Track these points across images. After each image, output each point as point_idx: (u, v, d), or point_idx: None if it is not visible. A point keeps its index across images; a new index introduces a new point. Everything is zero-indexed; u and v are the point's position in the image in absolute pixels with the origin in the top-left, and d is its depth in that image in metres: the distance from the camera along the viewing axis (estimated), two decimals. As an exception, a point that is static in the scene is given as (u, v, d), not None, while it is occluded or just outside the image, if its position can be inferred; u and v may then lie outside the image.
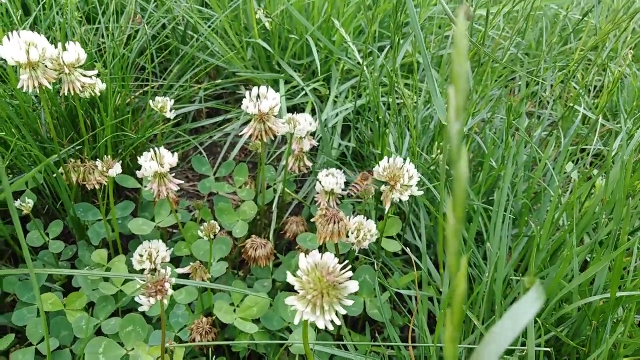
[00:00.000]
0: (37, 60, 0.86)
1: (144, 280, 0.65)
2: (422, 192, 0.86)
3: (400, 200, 0.85)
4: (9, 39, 0.85)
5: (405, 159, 0.90)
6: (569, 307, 0.84)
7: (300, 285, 0.51)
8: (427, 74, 0.70)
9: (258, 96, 0.94)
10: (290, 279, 0.51)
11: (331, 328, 0.50)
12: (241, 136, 1.60)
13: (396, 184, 0.83)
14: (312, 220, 0.97)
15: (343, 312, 0.51)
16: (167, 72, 1.60)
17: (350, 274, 0.52)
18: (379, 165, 0.87)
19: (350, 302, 0.51)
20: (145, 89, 1.58)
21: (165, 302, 0.66)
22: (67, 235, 1.27)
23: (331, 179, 1.10)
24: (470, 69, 1.09)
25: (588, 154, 1.33)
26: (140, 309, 0.67)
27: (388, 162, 0.86)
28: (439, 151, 1.01)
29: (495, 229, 0.93)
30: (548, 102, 1.24)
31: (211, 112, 1.69)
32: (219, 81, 1.53)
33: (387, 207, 0.86)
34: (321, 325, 0.50)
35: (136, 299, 0.66)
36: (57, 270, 0.92)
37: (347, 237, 0.92)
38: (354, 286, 0.51)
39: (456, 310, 0.31)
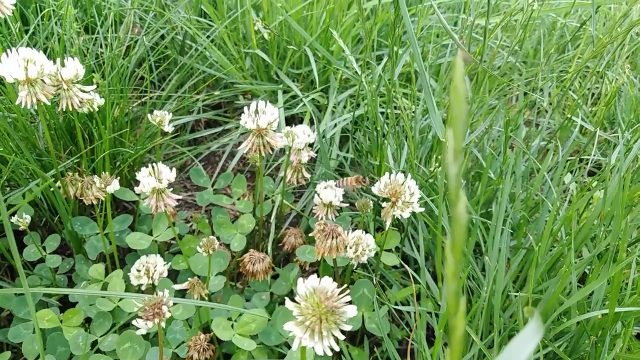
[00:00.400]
0: (36, 77, 0.86)
1: (141, 303, 0.65)
2: (422, 209, 0.86)
3: (401, 216, 0.85)
4: (7, 55, 0.85)
5: (405, 173, 0.90)
6: (567, 322, 0.84)
7: (299, 310, 0.51)
8: (425, 91, 0.70)
9: (256, 110, 0.94)
10: (289, 304, 0.50)
11: (329, 353, 0.49)
12: (239, 146, 1.60)
13: (397, 200, 0.83)
14: (310, 234, 0.96)
15: (342, 337, 0.51)
16: (166, 82, 1.60)
17: (349, 298, 0.52)
18: (380, 182, 0.86)
19: (348, 327, 0.51)
20: (144, 99, 1.58)
21: (163, 324, 0.65)
22: (63, 247, 1.27)
23: (329, 192, 1.10)
24: (467, 84, 1.09)
25: (587, 163, 1.33)
26: (138, 332, 0.66)
27: (389, 178, 0.86)
28: (436, 164, 1.01)
29: (493, 242, 0.92)
30: (546, 111, 1.25)
31: (209, 121, 1.69)
32: (217, 92, 1.53)
33: (388, 223, 0.86)
34: (319, 351, 0.49)
35: (134, 322, 0.66)
36: (53, 289, 0.92)
37: (346, 251, 0.92)
38: (352, 311, 0.51)
39: (455, 350, 0.30)
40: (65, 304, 1.13)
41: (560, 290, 0.79)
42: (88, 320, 1.02)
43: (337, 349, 0.50)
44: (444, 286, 0.92)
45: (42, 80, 0.91)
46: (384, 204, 0.88)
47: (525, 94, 1.27)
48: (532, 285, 0.77)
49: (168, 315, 0.65)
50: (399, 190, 0.84)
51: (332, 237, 0.87)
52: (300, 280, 0.52)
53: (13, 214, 1.06)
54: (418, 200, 0.84)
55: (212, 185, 1.30)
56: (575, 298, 0.77)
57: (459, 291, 0.30)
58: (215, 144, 1.56)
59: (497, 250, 0.92)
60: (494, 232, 0.92)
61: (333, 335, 0.51)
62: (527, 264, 1.07)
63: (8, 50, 0.86)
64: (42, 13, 1.46)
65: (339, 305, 0.51)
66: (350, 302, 0.52)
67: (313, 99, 1.57)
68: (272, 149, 1.00)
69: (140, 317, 0.64)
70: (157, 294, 0.66)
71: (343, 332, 0.52)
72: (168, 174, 0.91)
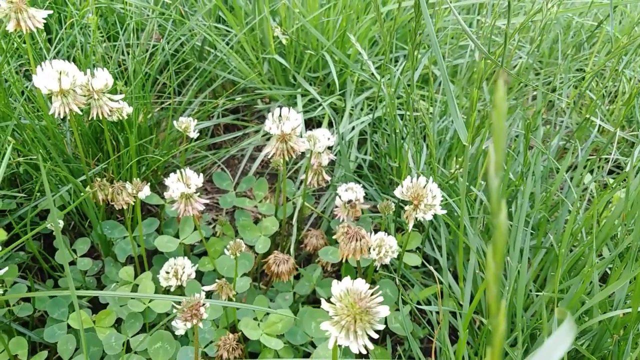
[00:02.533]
0: (68, 87, 0.90)
1: (179, 305, 0.68)
2: (444, 211, 0.88)
3: (423, 219, 0.87)
4: (42, 68, 0.88)
5: (425, 174, 0.92)
6: (589, 321, 0.85)
7: (334, 311, 0.53)
8: (448, 96, 0.72)
9: (280, 116, 0.97)
10: (325, 305, 0.53)
11: (364, 352, 0.52)
12: (259, 149, 1.62)
13: (419, 203, 0.85)
14: (334, 236, 0.99)
15: (375, 336, 0.53)
16: (186, 88, 1.63)
17: (381, 298, 0.54)
18: (402, 185, 0.88)
19: (382, 327, 0.53)
20: (163, 105, 1.61)
21: (201, 324, 0.68)
22: (91, 250, 1.31)
23: (350, 194, 1.12)
24: (485, 86, 1.10)
25: (606, 162, 1.33)
26: (177, 332, 0.69)
27: (411, 181, 0.88)
28: (457, 166, 1.02)
29: (515, 242, 0.94)
30: (564, 112, 1.25)
31: (228, 125, 1.72)
32: (238, 98, 1.56)
33: (410, 225, 0.88)
34: (355, 350, 0.52)
35: (172, 324, 0.69)
36: (96, 292, 0.95)
37: (369, 253, 0.94)
38: (385, 311, 0.53)
39: (496, 349, 0.33)
40: (95, 305, 1.17)
41: (583, 290, 0.81)
42: (118, 321, 1.06)
43: (371, 347, 0.52)
44: (466, 286, 0.94)
45: (73, 90, 0.94)
46: (406, 207, 0.90)
47: (543, 94, 1.28)
48: (557, 284, 0.79)
49: (205, 316, 0.68)
50: (421, 193, 0.86)
51: (356, 240, 0.89)
52: (334, 282, 0.54)
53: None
54: (440, 202, 0.86)
55: (234, 189, 1.33)
56: (597, 297, 0.78)
57: (499, 294, 0.32)
58: (235, 148, 1.59)
59: (518, 250, 0.93)
60: (515, 232, 0.93)
61: (367, 335, 0.53)
62: (547, 263, 1.08)
63: (42, 64, 0.90)
64: (67, 23, 1.50)
65: (372, 305, 0.53)
66: (382, 303, 0.54)
67: (330, 101, 1.59)
68: (296, 154, 1.02)
69: (179, 319, 0.67)
70: (193, 297, 0.68)
71: (376, 331, 0.54)
72: (196, 179, 0.94)
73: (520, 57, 1.75)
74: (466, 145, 0.75)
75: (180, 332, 0.69)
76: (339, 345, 0.53)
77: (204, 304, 0.68)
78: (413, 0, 1.19)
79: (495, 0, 1.49)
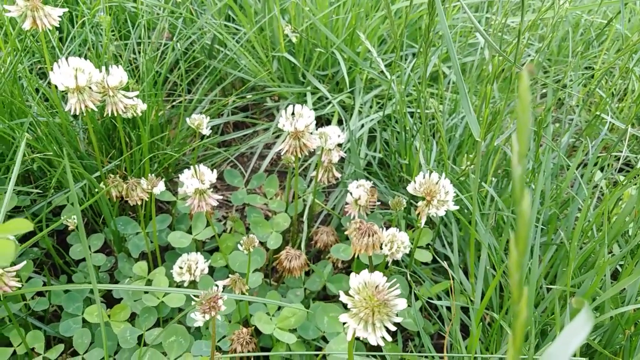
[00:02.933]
0: (84, 85, 0.91)
1: (197, 298, 0.69)
2: (457, 207, 0.89)
3: (436, 214, 0.88)
4: (58, 66, 0.90)
5: (436, 171, 0.93)
6: (601, 317, 0.85)
7: (352, 303, 0.54)
8: (461, 94, 0.72)
9: (292, 113, 0.98)
10: (343, 297, 0.54)
11: (382, 344, 0.53)
12: (269, 147, 1.63)
13: (432, 199, 0.86)
14: (346, 232, 1.00)
15: (393, 328, 0.54)
16: (196, 87, 1.65)
17: (399, 291, 0.55)
18: (414, 181, 0.89)
19: (399, 319, 0.54)
20: (174, 103, 1.63)
21: (218, 317, 0.69)
22: (103, 246, 1.32)
23: (361, 190, 1.13)
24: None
25: (617, 160, 1.33)
26: (195, 324, 0.70)
27: (423, 177, 0.89)
28: (468, 163, 1.03)
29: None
30: (574, 110, 1.26)
31: (238, 123, 1.73)
32: (249, 96, 1.57)
33: (423, 221, 0.89)
34: (373, 342, 0.53)
35: (191, 315, 0.70)
36: (116, 286, 0.97)
37: (381, 248, 0.95)
38: (402, 304, 0.54)
39: (518, 334, 0.33)
40: (109, 300, 1.19)
41: (597, 284, 0.81)
42: (132, 316, 1.07)
43: (389, 339, 0.53)
44: (477, 282, 0.95)
45: (89, 87, 0.95)
46: (419, 203, 0.91)
47: (553, 91, 1.28)
48: (569, 280, 0.79)
49: (223, 308, 0.69)
50: (434, 189, 0.86)
51: (369, 235, 0.90)
52: (352, 274, 0.55)
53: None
54: (452, 198, 0.87)
55: (245, 186, 1.34)
56: (609, 293, 0.78)
57: (522, 280, 0.33)
58: (244, 145, 1.60)
59: (529, 247, 0.94)
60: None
61: (385, 327, 0.54)
62: (557, 260, 1.09)
63: (59, 61, 0.91)
64: (79, 22, 1.52)
65: (390, 298, 0.54)
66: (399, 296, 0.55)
67: (339, 99, 1.60)
68: (309, 151, 1.03)
69: (198, 311, 0.68)
70: (211, 290, 0.70)
71: (393, 324, 0.55)
72: (210, 175, 0.95)
73: (529, 55, 1.75)
74: (479, 140, 0.76)
75: (198, 323, 0.70)
76: (357, 338, 0.54)
77: (221, 297, 0.69)
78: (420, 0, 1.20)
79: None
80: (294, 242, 1.29)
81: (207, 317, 0.66)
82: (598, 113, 1.17)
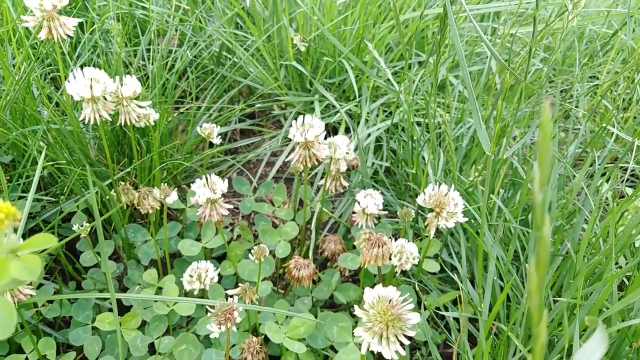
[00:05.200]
0: (99, 95, 0.92)
1: (213, 309, 0.70)
2: (466, 219, 0.90)
3: (445, 226, 0.89)
4: (74, 76, 0.91)
5: (444, 182, 0.94)
6: (608, 329, 0.86)
7: (367, 317, 0.55)
8: (472, 109, 0.73)
9: (303, 123, 0.99)
10: (358, 311, 0.55)
11: (396, 358, 0.53)
12: (276, 154, 1.65)
13: (442, 211, 0.87)
14: (355, 242, 1.01)
15: (407, 342, 0.54)
16: (204, 94, 1.66)
17: (412, 305, 0.56)
18: (424, 193, 0.90)
19: (413, 333, 0.55)
20: (181, 111, 1.64)
21: (234, 328, 0.70)
22: (112, 252, 1.33)
23: (369, 200, 1.13)
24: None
25: (625, 171, 1.34)
26: (211, 335, 0.71)
27: (432, 189, 0.90)
28: (476, 174, 1.04)
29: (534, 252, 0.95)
30: (580, 121, 1.27)
31: (244, 130, 1.74)
32: (258, 104, 1.59)
33: (432, 233, 0.90)
34: (387, 356, 0.53)
35: (207, 327, 0.71)
36: (130, 295, 0.98)
37: (390, 259, 0.96)
38: (416, 317, 0.55)
39: (537, 356, 0.34)
40: (118, 307, 1.19)
41: (605, 297, 0.82)
42: (142, 323, 1.08)
43: (403, 353, 0.54)
44: (485, 293, 0.95)
45: (104, 97, 0.97)
46: (428, 215, 0.92)
47: (560, 103, 1.30)
48: (580, 292, 0.80)
49: (239, 320, 0.70)
50: (443, 201, 0.87)
51: (378, 246, 0.91)
52: (367, 289, 0.56)
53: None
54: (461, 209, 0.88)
55: (253, 193, 1.35)
56: (617, 306, 0.79)
57: (542, 304, 0.34)
58: (252, 153, 1.61)
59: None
60: (534, 241, 0.94)
61: (399, 341, 0.55)
62: (564, 271, 1.10)
63: (74, 71, 0.92)
64: (89, 30, 1.53)
65: (403, 312, 0.55)
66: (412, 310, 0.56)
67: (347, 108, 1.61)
68: (318, 161, 1.04)
69: (214, 322, 0.69)
70: (227, 301, 0.71)
71: (407, 337, 0.56)
72: (221, 184, 0.96)
73: (534, 64, 1.76)
74: (489, 155, 0.77)
75: (214, 335, 0.71)
76: (372, 352, 0.54)
77: (236, 309, 0.70)
78: (427, 10, 1.21)
79: (513, 9, 1.50)
80: (302, 250, 1.30)
81: (223, 328, 0.67)
82: (604, 125, 1.18)
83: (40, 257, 0.49)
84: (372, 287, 0.58)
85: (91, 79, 0.92)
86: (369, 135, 1.49)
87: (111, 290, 0.65)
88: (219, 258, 1.31)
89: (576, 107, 1.15)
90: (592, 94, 1.47)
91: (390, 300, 0.55)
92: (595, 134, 1.23)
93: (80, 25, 1.72)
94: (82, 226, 1.05)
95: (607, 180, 1.23)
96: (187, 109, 1.62)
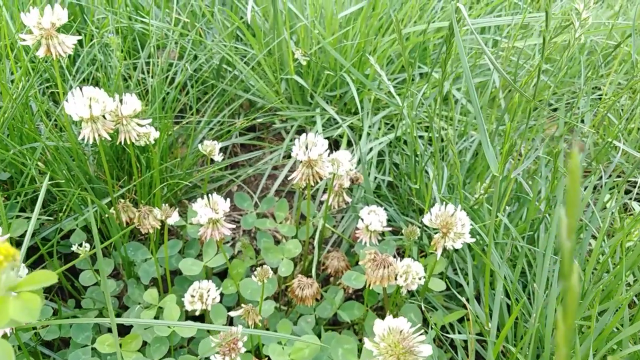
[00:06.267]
0: (99, 114, 0.91)
1: (217, 340, 0.68)
2: (473, 240, 0.88)
3: (452, 247, 0.87)
4: (72, 95, 0.89)
5: (448, 200, 0.92)
6: (620, 353, 0.84)
7: (378, 350, 0.53)
8: (480, 129, 0.72)
9: (306, 142, 0.97)
10: (368, 345, 0.53)
11: (408, 393, 0.52)
12: (277, 168, 1.63)
13: (449, 231, 0.85)
14: (359, 262, 0.99)
15: (419, 377, 0.53)
16: (205, 108, 1.65)
17: (423, 337, 0.54)
18: (430, 213, 0.89)
19: (425, 367, 0.53)
20: (182, 124, 1.62)
21: (238, 359, 0.69)
22: (113, 269, 1.31)
23: (373, 217, 1.12)
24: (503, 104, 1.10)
25: (634, 185, 1.33)
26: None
27: (439, 209, 0.88)
28: (482, 191, 1.03)
29: (542, 270, 0.94)
30: (586, 136, 1.26)
31: (245, 144, 1.72)
32: (259, 120, 1.57)
33: (439, 254, 0.88)
34: (399, 391, 0.52)
35: (212, 358, 0.69)
36: (131, 320, 0.95)
37: (396, 280, 0.94)
38: (428, 350, 0.53)
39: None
40: (118, 327, 1.17)
41: (616, 321, 0.80)
42: (142, 344, 1.06)
43: (415, 389, 0.52)
44: (493, 314, 0.94)
45: (103, 116, 0.95)
46: (435, 236, 0.90)
47: (565, 115, 1.28)
48: (593, 320, 0.78)
49: (243, 350, 0.68)
50: (450, 222, 0.86)
51: (384, 267, 0.90)
52: (377, 320, 0.54)
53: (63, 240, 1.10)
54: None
55: (255, 208, 1.34)
56: (630, 330, 0.78)
57: (569, 355, 0.32)
58: (253, 167, 1.59)
59: (545, 278, 0.93)
60: (542, 260, 0.93)
61: (410, 375, 0.53)
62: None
63: (73, 91, 0.91)
64: (89, 44, 1.52)
65: (415, 344, 0.53)
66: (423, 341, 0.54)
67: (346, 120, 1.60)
68: (321, 178, 1.03)
69: (218, 353, 0.67)
70: (231, 331, 0.69)
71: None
72: (223, 204, 0.94)
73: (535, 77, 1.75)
74: (496, 175, 0.76)
75: (217, 363, 0.69)
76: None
77: (240, 339, 0.68)
78: (428, 24, 1.20)
79: (515, 22, 1.50)
80: (305, 266, 1.28)
81: (227, 359, 0.66)
82: (610, 139, 1.17)
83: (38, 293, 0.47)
84: (377, 306, 0.56)
85: (90, 99, 0.91)
86: (370, 149, 1.48)
87: (111, 315, 0.63)
88: (221, 274, 1.29)
89: (582, 121, 1.14)
90: (596, 107, 1.46)
91: (401, 332, 0.53)
92: (600, 148, 1.22)
93: (80, 41, 1.71)
94: (81, 245, 1.03)
95: (610, 192, 1.21)
96: (187, 123, 1.61)
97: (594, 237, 1.19)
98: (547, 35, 0.71)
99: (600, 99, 1.68)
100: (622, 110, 1.78)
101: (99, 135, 0.94)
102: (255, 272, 0.93)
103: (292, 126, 1.66)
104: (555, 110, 1.59)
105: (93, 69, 1.58)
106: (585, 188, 1.31)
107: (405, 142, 1.53)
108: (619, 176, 1.30)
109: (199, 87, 1.68)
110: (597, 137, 1.55)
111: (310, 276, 1.26)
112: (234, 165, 1.66)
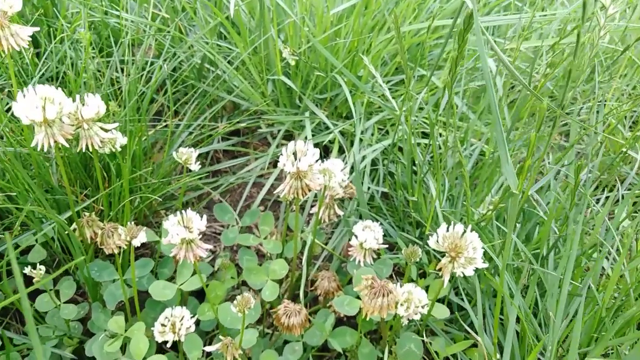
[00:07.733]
0: (54, 117, 0.78)
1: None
2: (486, 265, 0.77)
3: (462, 274, 0.76)
4: (23, 95, 0.77)
5: (448, 214, 0.82)
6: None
7: None
8: (499, 142, 0.61)
9: (294, 152, 0.86)
10: None
11: None
12: (263, 176, 1.51)
13: (458, 255, 0.74)
14: (355, 289, 0.87)
15: None
16: (185, 109, 1.52)
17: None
18: (437, 234, 0.77)
19: None
20: (159, 128, 1.49)
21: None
22: (76, 290, 1.18)
23: (368, 233, 1.01)
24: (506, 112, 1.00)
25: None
26: None
27: (447, 230, 0.77)
28: (490, 207, 0.92)
29: (560, 296, 0.83)
30: (595, 151, 1.16)
31: (229, 149, 1.60)
32: (244, 124, 1.45)
33: (446, 280, 0.77)
34: None
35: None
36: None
37: (396, 308, 0.82)
38: None
39: None
40: (80, 355, 1.04)
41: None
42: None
43: None
44: (505, 349, 0.83)
45: (60, 119, 0.82)
46: (442, 260, 0.79)
47: (576, 125, 1.19)
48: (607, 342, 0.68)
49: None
50: (460, 245, 0.75)
51: (383, 295, 0.78)
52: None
53: (26, 263, 0.97)
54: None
55: (237, 219, 1.21)
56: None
57: None
58: (236, 175, 1.47)
59: (562, 308, 0.82)
60: (560, 285, 0.82)
61: None
62: (584, 314, 0.98)
63: (25, 89, 0.78)
64: (57, 38, 1.38)
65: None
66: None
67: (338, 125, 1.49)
68: (310, 191, 0.91)
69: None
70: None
71: None
72: (198, 222, 0.82)
73: (536, 80, 1.66)
74: (515, 193, 0.65)
75: None
76: None
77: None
78: (433, 20, 1.09)
79: (521, 22, 1.40)
80: (292, 286, 1.16)
81: None
82: (623, 150, 1.07)
83: None
84: (372, 329, 0.45)
85: (44, 99, 0.78)
86: (364, 157, 1.36)
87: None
88: (197, 293, 1.16)
89: (595, 132, 1.04)
90: (607, 116, 1.37)
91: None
92: (611, 163, 1.12)
93: (50, 34, 1.57)
94: (35, 268, 0.90)
95: (617, 200, 1.12)
96: (165, 126, 1.48)
97: (607, 258, 1.09)
98: (580, 30, 0.61)
99: (603, 104, 1.59)
100: (625, 118, 1.70)
101: (55, 141, 0.81)
102: (234, 302, 0.81)
103: (279, 131, 1.54)
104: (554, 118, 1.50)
105: (63, 67, 1.45)
106: (597, 201, 1.21)
107: (400, 150, 1.42)
108: (629, 189, 1.21)
109: (178, 87, 1.55)
110: (605, 150, 1.46)
111: (298, 296, 1.15)
112: (215, 173, 1.53)
